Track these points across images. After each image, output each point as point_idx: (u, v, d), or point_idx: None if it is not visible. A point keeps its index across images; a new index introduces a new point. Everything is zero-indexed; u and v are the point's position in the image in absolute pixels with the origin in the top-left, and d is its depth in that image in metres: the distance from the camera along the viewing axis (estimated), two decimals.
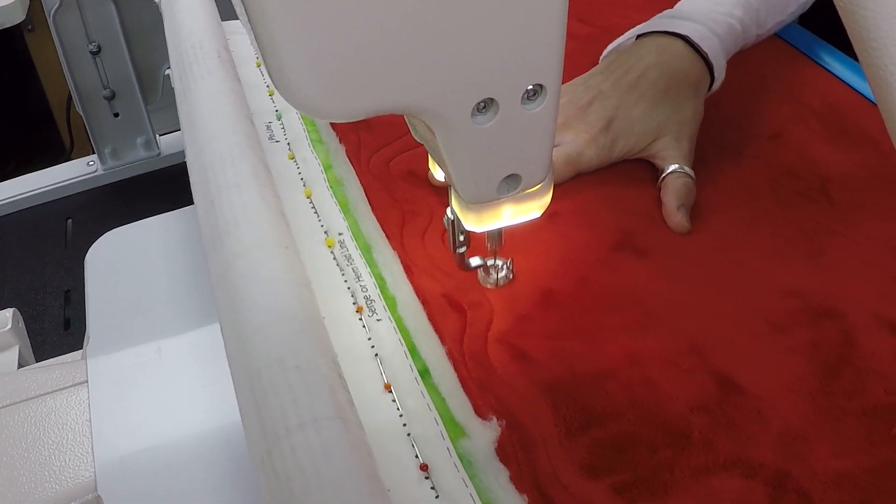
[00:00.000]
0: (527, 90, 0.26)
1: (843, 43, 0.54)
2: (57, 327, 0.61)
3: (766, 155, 0.45)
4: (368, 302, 0.35)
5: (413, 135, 0.31)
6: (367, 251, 0.37)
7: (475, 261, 0.36)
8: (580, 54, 0.48)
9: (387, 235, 0.38)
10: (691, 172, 0.42)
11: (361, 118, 0.24)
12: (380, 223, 0.39)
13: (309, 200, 0.41)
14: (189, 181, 0.39)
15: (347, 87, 0.23)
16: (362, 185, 0.41)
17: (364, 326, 0.34)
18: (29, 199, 0.71)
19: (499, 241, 0.35)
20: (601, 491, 0.30)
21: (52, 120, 1.19)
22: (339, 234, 0.38)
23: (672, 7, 0.48)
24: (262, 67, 0.53)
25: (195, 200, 0.38)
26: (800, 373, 0.34)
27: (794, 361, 0.34)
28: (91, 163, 0.73)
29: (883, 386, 0.34)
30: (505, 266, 0.37)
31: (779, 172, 0.44)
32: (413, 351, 0.33)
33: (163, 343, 0.39)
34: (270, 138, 0.46)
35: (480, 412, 0.31)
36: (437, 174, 0.34)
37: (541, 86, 0.26)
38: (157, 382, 0.37)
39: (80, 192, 0.71)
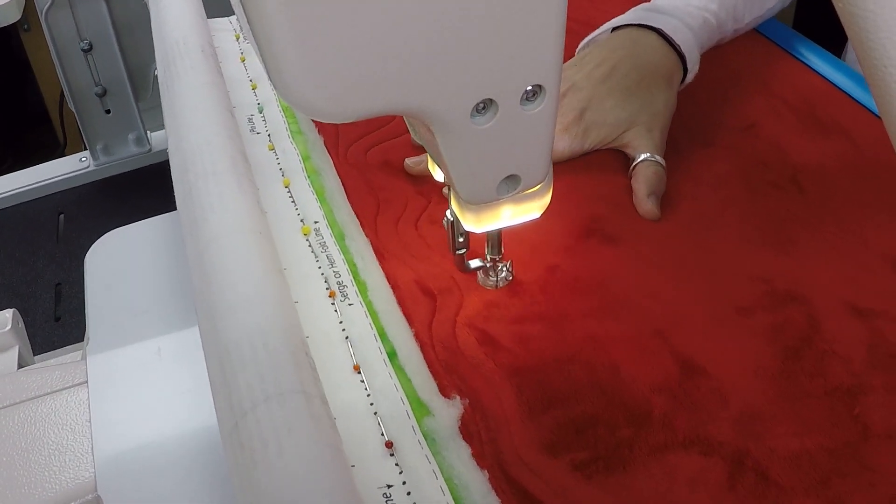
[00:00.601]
0: (526, 91, 0.26)
1: (822, 36, 0.55)
2: (48, 319, 0.62)
3: (738, 145, 0.46)
4: (341, 287, 0.36)
5: (412, 136, 0.32)
6: (340, 239, 0.38)
7: (475, 262, 0.36)
8: None
9: (361, 223, 0.39)
10: (662, 161, 0.43)
11: (361, 119, 0.25)
12: (355, 211, 0.40)
13: (287, 190, 0.42)
14: None
15: (347, 88, 0.24)
16: (339, 174, 0.42)
17: (336, 311, 0.36)
18: (22, 195, 0.72)
19: (498, 250, 0.36)
20: (561, 468, 0.31)
21: (48, 119, 1.21)
22: (315, 222, 0.40)
23: (648, 1, 0.49)
24: (247, 63, 0.55)
25: (175, 188, 0.40)
26: (762, 355, 0.35)
27: (756, 344, 0.35)
28: (83, 159, 0.74)
29: (845, 368, 0.35)
30: (504, 268, 0.37)
31: (750, 162, 0.45)
32: (382, 334, 0.34)
33: (162, 343, 0.39)
34: (252, 130, 0.47)
35: (445, 392, 0.32)
36: (437, 174, 0.34)
37: (540, 86, 0.27)
38: (156, 382, 0.37)
39: (73, 187, 0.73)
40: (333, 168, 0.43)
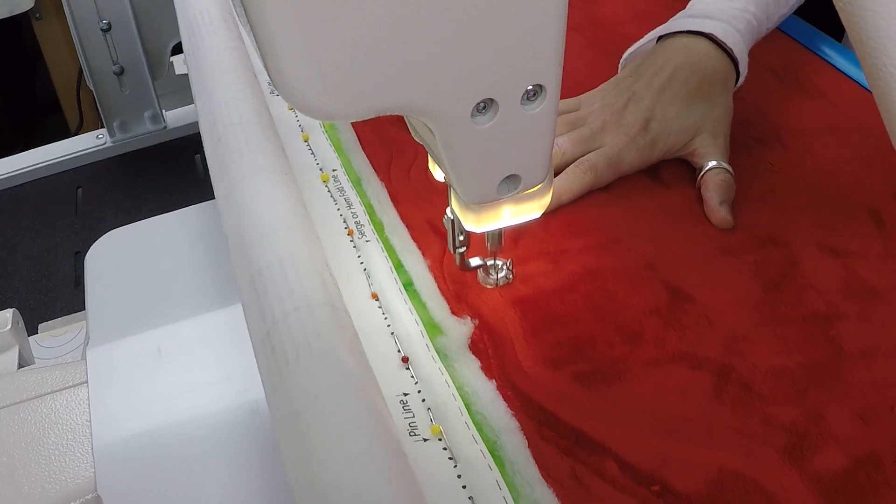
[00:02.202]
0: (526, 90, 0.26)
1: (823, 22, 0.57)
2: (68, 284, 0.65)
3: None
4: (358, 226, 0.40)
5: (413, 135, 0.32)
6: (357, 184, 0.42)
7: (475, 261, 0.37)
8: None
9: (376, 170, 0.43)
10: (730, 168, 0.43)
11: (362, 118, 0.25)
12: (370, 160, 0.43)
13: (307, 143, 0.45)
14: (190, 154, 0.42)
15: (347, 87, 0.24)
16: (354, 128, 0.46)
17: (354, 247, 0.39)
18: (42, 170, 0.76)
19: (499, 243, 0.36)
20: (562, 378, 0.34)
21: (59, 108, 1.24)
22: (333, 170, 0.43)
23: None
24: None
25: (203, 141, 0.43)
26: (746, 287, 0.38)
27: (740, 278, 0.39)
28: (100, 136, 0.78)
29: (822, 299, 0.38)
30: (505, 266, 0.38)
31: (736, 121, 0.48)
32: (398, 266, 0.38)
33: (163, 343, 0.40)
34: (272, 92, 0.51)
35: (456, 312, 0.36)
36: (437, 174, 0.34)
37: (540, 86, 0.27)
38: (157, 382, 0.37)
39: (90, 163, 0.76)
40: (349, 124, 0.47)
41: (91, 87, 0.75)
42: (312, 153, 0.45)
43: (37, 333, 0.62)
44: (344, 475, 0.25)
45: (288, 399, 0.28)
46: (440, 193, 0.43)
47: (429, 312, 0.36)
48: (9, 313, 0.45)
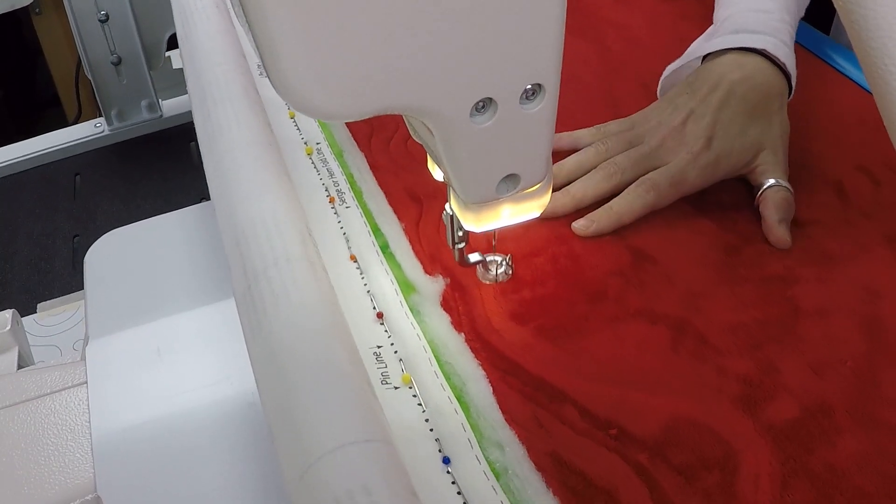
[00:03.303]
0: (526, 90, 0.27)
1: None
2: (66, 266, 0.68)
3: None
4: (339, 194, 0.43)
5: (412, 135, 0.32)
6: (339, 155, 0.45)
7: (474, 257, 0.38)
8: None
9: (357, 143, 0.45)
10: (790, 186, 0.43)
11: (361, 118, 0.25)
12: (351, 134, 0.46)
13: (293, 119, 0.48)
14: (185, 142, 0.44)
15: (346, 87, 0.24)
16: None
17: (336, 213, 0.42)
18: (42, 158, 0.79)
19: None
20: (526, 332, 0.37)
21: (59, 102, 1.27)
22: (317, 143, 0.46)
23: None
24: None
25: (194, 116, 0.46)
26: (707, 251, 0.41)
27: (702, 241, 0.41)
28: (98, 125, 0.81)
29: (780, 262, 0.41)
30: (504, 262, 0.39)
31: None
32: (376, 230, 0.41)
33: (162, 343, 0.40)
34: (261, 74, 0.53)
35: (429, 272, 0.38)
36: (437, 174, 0.35)
37: (539, 85, 0.27)
38: (156, 383, 0.38)
39: (89, 150, 0.79)
40: None
41: (90, 77, 0.78)
42: (298, 128, 0.48)
43: (35, 313, 0.65)
44: (317, 406, 0.28)
45: (266, 344, 0.31)
46: (418, 163, 0.45)
47: (403, 272, 0.39)
48: (8, 314, 0.46)
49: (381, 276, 0.38)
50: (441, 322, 0.37)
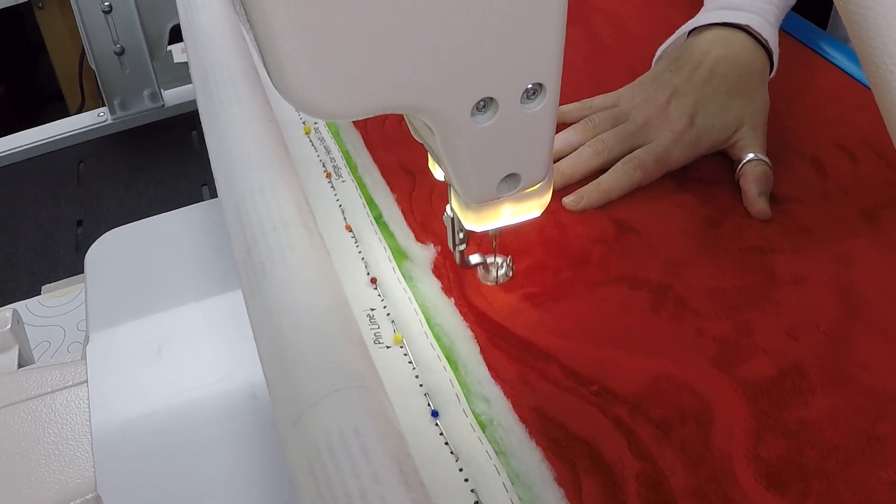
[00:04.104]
0: (526, 89, 0.27)
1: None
2: (70, 250, 0.71)
3: None
4: (336, 169, 0.45)
5: (413, 134, 0.33)
6: (336, 134, 0.47)
7: (475, 258, 0.39)
8: None
9: (353, 122, 0.48)
10: (768, 160, 0.45)
11: (361, 117, 0.26)
12: None
13: None
14: (186, 130, 0.46)
15: (347, 86, 0.24)
16: None
17: (332, 187, 0.44)
18: (46, 146, 0.81)
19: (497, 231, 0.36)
20: (513, 298, 0.39)
21: (62, 97, 1.30)
22: (315, 122, 0.48)
23: None
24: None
25: (197, 97, 0.48)
26: (689, 223, 0.43)
27: (683, 214, 0.44)
28: (101, 114, 0.83)
29: (759, 235, 0.43)
30: (504, 263, 0.39)
31: None
32: (370, 202, 0.43)
33: (163, 342, 0.41)
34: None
35: (420, 240, 0.41)
36: (437, 173, 0.36)
37: (540, 85, 0.27)
38: (156, 382, 0.39)
39: (92, 139, 0.82)
40: None
41: (93, 67, 0.81)
42: (297, 110, 0.50)
43: (40, 294, 0.67)
44: (309, 356, 0.30)
45: (264, 301, 0.33)
46: (411, 139, 0.47)
47: (396, 240, 0.41)
48: (8, 312, 0.47)
49: (374, 245, 0.41)
50: (432, 287, 0.39)
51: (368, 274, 0.39)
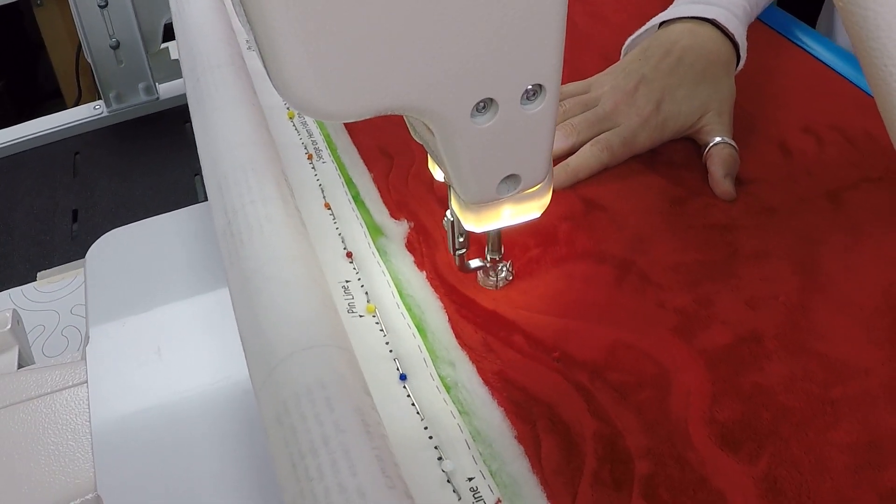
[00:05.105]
0: (526, 90, 0.28)
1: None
2: (65, 239, 0.73)
3: None
4: (317, 151, 0.47)
5: (412, 135, 0.34)
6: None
7: (475, 262, 0.39)
8: None
9: None
10: (734, 144, 0.47)
11: (361, 118, 0.26)
12: None
13: None
14: (180, 122, 0.48)
15: (347, 87, 0.25)
16: None
17: (313, 167, 0.47)
18: (43, 138, 0.84)
19: (498, 249, 0.38)
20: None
21: (60, 94, 1.33)
22: None
23: None
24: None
25: (185, 83, 0.51)
26: (655, 201, 0.45)
27: (650, 194, 0.46)
28: (97, 106, 0.86)
29: (724, 213, 0.45)
30: (504, 268, 0.40)
31: None
32: (349, 181, 0.45)
33: (163, 343, 0.41)
34: (249, 48, 0.58)
35: (395, 216, 0.43)
36: (437, 174, 0.36)
37: (540, 86, 0.28)
38: (156, 382, 0.39)
39: (88, 131, 0.85)
40: None
41: (89, 61, 0.84)
42: None
43: (35, 281, 0.70)
44: (280, 317, 0.32)
45: (241, 269, 0.35)
46: (391, 123, 0.50)
47: (372, 217, 0.43)
48: (8, 313, 0.47)
49: (352, 221, 0.43)
50: (405, 261, 0.41)
51: (345, 248, 0.42)
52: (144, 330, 0.42)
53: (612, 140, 0.47)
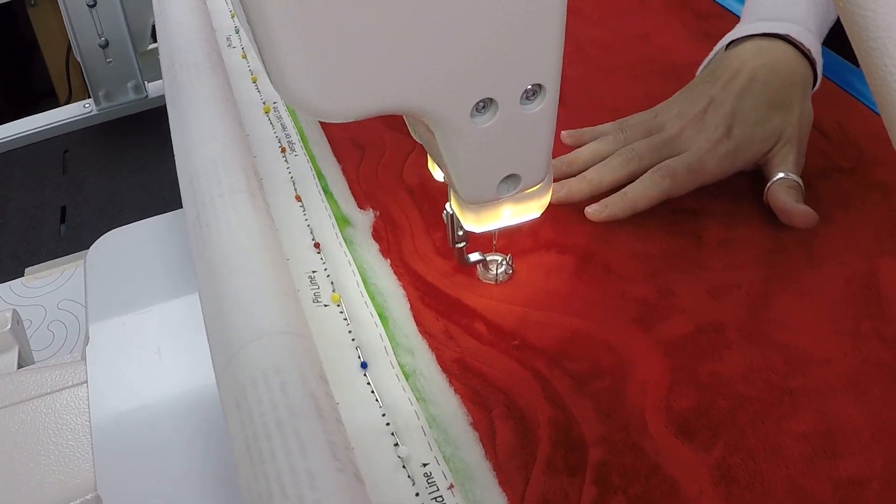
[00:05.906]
0: (526, 90, 0.28)
1: None
2: (54, 235, 0.75)
3: (634, 51, 0.58)
4: (290, 144, 0.49)
5: (412, 135, 0.34)
6: (293, 113, 0.51)
7: (474, 256, 0.40)
8: None
9: None
10: (800, 181, 0.43)
11: (361, 118, 0.26)
12: None
13: (254, 84, 0.55)
14: (167, 120, 0.48)
15: (347, 87, 0.25)
16: None
17: (286, 160, 0.48)
18: (33, 136, 0.86)
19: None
20: (446, 264, 0.42)
21: (54, 93, 1.35)
22: (274, 102, 0.52)
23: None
24: (229, 1, 0.68)
25: (164, 80, 0.52)
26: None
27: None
28: (87, 105, 0.88)
29: (690, 197, 0.45)
30: (504, 261, 0.41)
31: (643, 60, 0.56)
32: (319, 174, 0.47)
33: (162, 343, 0.42)
34: (229, 46, 0.60)
35: (361, 206, 0.44)
36: (437, 173, 0.36)
37: (540, 86, 0.28)
38: (156, 382, 0.40)
39: (78, 129, 0.86)
40: None
41: (79, 60, 0.86)
42: (259, 90, 0.54)
43: (23, 276, 0.71)
44: (241, 305, 0.33)
45: (207, 260, 0.36)
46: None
47: (339, 208, 0.45)
48: (8, 313, 0.47)
49: (321, 212, 0.44)
50: (370, 249, 0.42)
51: (313, 239, 0.43)
52: (144, 330, 0.43)
53: (675, 167, 0.43)
